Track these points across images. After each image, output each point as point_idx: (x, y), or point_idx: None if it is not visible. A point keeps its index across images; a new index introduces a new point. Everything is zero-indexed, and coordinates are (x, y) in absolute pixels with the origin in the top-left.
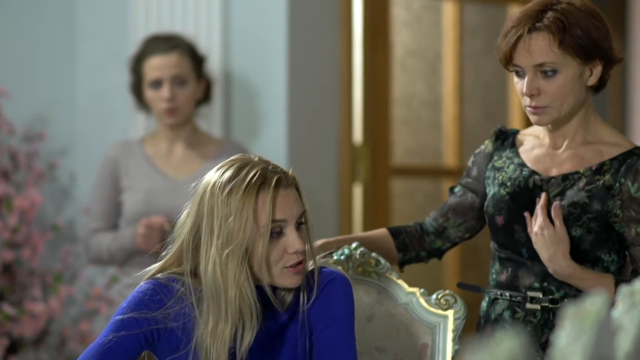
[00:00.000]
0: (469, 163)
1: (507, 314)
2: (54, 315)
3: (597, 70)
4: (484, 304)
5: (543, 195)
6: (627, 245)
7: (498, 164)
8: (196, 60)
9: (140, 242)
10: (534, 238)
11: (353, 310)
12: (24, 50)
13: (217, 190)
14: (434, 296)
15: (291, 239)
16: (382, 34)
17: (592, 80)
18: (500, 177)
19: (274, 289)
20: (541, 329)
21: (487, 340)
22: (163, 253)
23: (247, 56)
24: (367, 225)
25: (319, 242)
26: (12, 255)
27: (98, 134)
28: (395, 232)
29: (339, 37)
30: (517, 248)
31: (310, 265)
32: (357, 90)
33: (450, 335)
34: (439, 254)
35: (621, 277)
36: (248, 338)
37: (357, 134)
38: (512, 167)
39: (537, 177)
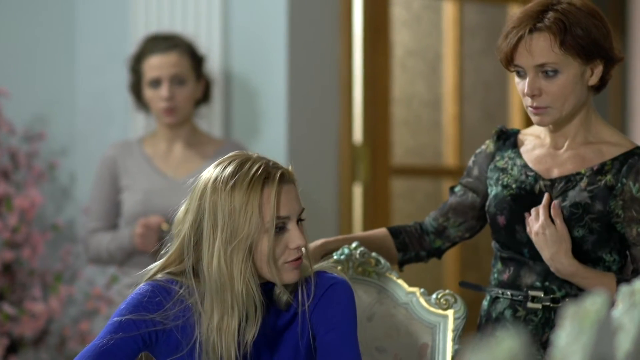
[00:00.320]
0: (470, 163)
1: (508, 313)
2: (54, 315)
3: (598, 70)
4: (484, 303)
5: (546, 195)
6: (628, 245)
7: (500, 164)
8: (195, 60)
9: (138, 242)
10: (534, 238)
11: (355, 314)
12: (24, 50)
13: (220, 185)
14: (434, 296)
15: (293, 234)
16: (382, 34)
17: (593, 80)
18: (506, 179)
19: (272, 286)
20: (542, 328)
21: (488, 339)
22: (162, 252)
23: (247, 56)
24: (367, 225)
25: (319, 242)
26: (12, 255)
27: (98, 134)
28: (395, 232)
29: (339, 37)
30: (518, 248)
31: (306, 265)
32: (357, 90)
33: (450, 335)
34: (438, 253)
35: (622, 276)
36: (252, 331)
37: (357, 134)
38: (515, 169)
39: (542, 182)
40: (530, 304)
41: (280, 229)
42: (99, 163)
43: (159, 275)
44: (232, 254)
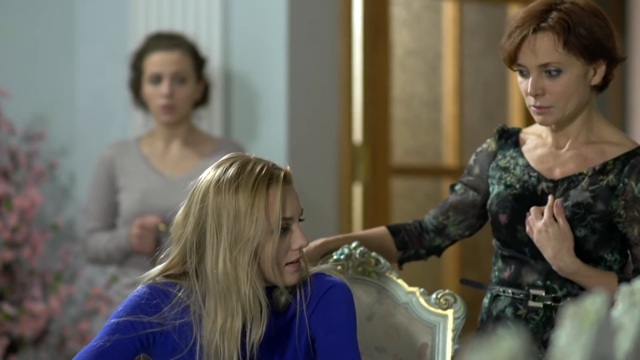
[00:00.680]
0: (471, 161)
1: (509, 311)
2: (53, 315)
3: (601, 70)
4: (485, 301)
5: (550, 198)
6: (629, 244)
7: (502, 163)
8: (197, 60)
9: (135, 243)
10: (536, 236)
11: (354, 315)
12: (24, 50)
13: (223, 187)
14: (433, 296)
15: (297, 235)
16: (382, 34)
17: (596, 80)
18: (508, 178)
19: (271, 288)
20: (543, 326)
21: (489, 337)
22: (162, 256)
23: (247, 56)
24: (367, 225)
25: (318, 242)
26: (12, 255)
27: (98, 134)
28: (394, 230)
29: (339, 37)
30: (520, 247)
31: (304, 267)
32: (357, 90)
33: (450, 335)
34: (438, 251)
35: (624, 276)
36: (258, 333)
37: (357, 134)
38: (518, 168)
39: (545, 184)
40: (531, 303)
41: (285, 230)
42: (97, 163)
43: (157, 278)
44: (238, 256)
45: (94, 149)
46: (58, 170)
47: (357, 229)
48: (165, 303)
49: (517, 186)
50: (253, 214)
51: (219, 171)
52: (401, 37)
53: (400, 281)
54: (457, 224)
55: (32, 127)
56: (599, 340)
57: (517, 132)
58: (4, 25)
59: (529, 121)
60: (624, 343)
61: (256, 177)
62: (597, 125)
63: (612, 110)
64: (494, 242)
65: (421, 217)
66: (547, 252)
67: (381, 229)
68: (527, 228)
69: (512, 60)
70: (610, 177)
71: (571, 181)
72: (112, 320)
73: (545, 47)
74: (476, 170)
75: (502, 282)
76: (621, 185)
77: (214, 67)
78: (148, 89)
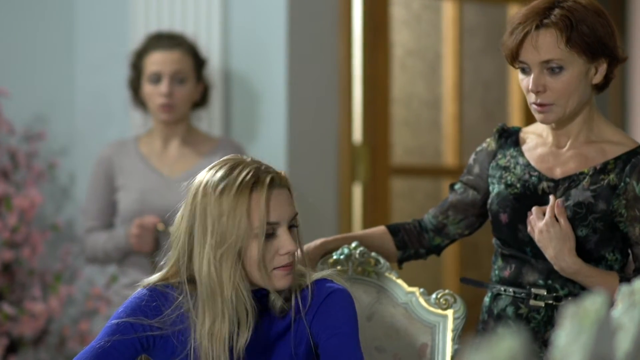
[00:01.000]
0: (470, 160)
1: (510, 310)
2: (53, 315)
3: (603, 68)
4: (486, 300)
5: (551, 197)
6: (630, 244)
7: (502, 162)
8: (197, 61)
9: (134, 242)
10: (537, 236)
11: (356, 319)
12: (24, 50)
13: (210, 189)
14: (433, 296)
15: (283, 240)
16: (382, 34)
17: (597, 79)
18: (509, 178)
19: (267, 292)
20: (544, 326)
21: (489, 336)
22: (162, 263)
23: (247, 56)
24: (367, 225)
25: (318, 242)
26: (11, 255)
27: (98, 134)
28: (394, 230)
29: (338, 37)
30: (520, 246)
31: (302, 269)
32: (356, 90)
33: (449, 335)
34: (437, 250)
35: (625, 275)
36: (245, 337)
37: (357, 134)
38: (518, 167)
39: (545, 183)
40: (532, 302)
41: (271, 234)
42: (95, 163)
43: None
44: (222, 259)
45: (93, 149)
46: (58, 170)
47: (357, 229)
48: (165, 306)
49: (518, 185)
50: (235, 217)
51: (209, 173)
52: (401, 37)
53: (400, 281)
54: (457, 223)
55: (31, 127)
56: (599, 340)
57: (517, 131)
58: (4, 25)
59: (529, 121)
60: (623, 343)
61: (241, 181)
62: (598, 124)
63: (612, 109)
64: (494, 240)
65: (421, 217)
66: (549, 253)
67: (380, 229)
68: (529, 228)
69: (514, 57)
70: (611, 176)
71: (572, 180)
72: (113, 321)
73: (547, 43)
74: (476, 170)
75: (502, 281)
76: (622, 184)
77: (213, 67)
78: (147, 88)
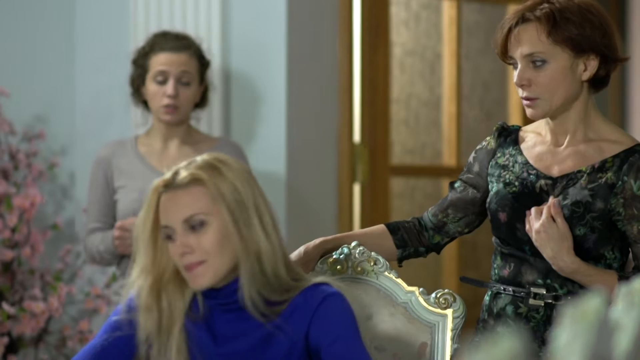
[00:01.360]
0: (470, 159)
1: (509, 309)
2: (53, 314)
3: (592, 65)
4: (486, 298)
5: (551, 198)
6: (629, 242)
7: (502, 161)
8: (202, 64)
9: (117, 245)
10: (535, 236)
11: (355, 321)
12: (24, 50)
13: None
14: (433, 295)
15: (172, 244)
16: (381, 34)
17: (587, 75)
18: (508, 176)
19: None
20: (544, 325)
21: (489, 335)
22: None
23: (247, 56)
24: (367, 224)
25: (317, 241)
26: (12, 255)
27: (98, 133)
28: (393, 229)
29: (338, 37)
30: (519, 245)
31: (303, 275)
32: (356, 90)
33: (449, 334)
34: (437, 248)
35: (624, 274)
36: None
37: (357, 134)
38: (517, 166)
39: (543, 181)
40: (532, 301)
41: (169, 237)
42: (93, 164)
43: None
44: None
45: (93, 149)
46: (58, 169)
47: (357, 229)
48: None
49: (516, 184)
50: (147, 221)
51: None
52: (400, 37)
53: (399, 280)
54: (457, 221)
55: (32, 127)
56: (598, 339)
57: (517, 129)
58: (4, 25)
59: (528, 120)
60: (622, 342)
61: (154, 185)
62: (595, 122)
63: (611, 109)
64: (494, 239)
65: (420, 215)
66: (547, 253)
67: (380, 227)
68: (527, 227)
69: (504, 53)
70: (609, 174)
71: (570, 179)
72: (113, 319)
73: (529, 36)
74: (475, 168)
75: (501, 280)
76: (620, 183)
77: (214, 67)
78: (152, 87)
